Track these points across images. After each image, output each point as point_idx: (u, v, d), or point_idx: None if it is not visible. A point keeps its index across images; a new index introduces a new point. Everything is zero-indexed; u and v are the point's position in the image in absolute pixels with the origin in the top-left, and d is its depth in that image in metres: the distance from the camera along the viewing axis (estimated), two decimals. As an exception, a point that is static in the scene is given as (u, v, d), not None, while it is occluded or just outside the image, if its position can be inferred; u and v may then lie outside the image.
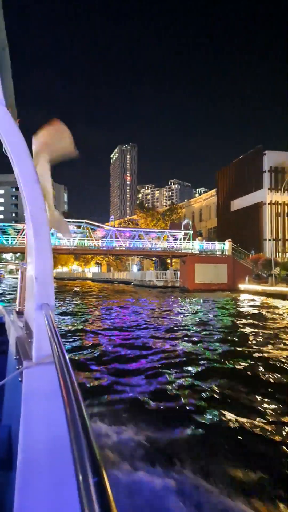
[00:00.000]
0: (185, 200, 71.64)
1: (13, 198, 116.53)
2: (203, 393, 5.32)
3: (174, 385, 5.72)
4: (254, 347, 8.65)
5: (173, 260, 42.88)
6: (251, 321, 12.97)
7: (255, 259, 34.77)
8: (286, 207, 41.16)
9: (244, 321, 13.13)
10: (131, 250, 40.27)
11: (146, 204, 75.88)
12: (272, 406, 4.83)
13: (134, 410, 4.59)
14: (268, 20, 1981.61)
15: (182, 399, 5.07)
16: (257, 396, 5.21)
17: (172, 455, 3.49)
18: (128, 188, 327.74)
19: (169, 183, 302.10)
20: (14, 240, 35.65)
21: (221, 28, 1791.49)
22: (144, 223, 59.15)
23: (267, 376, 6.17)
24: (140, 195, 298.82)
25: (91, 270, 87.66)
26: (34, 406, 1.09)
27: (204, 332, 10.76)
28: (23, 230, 34.37)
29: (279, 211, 41.11)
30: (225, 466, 3.38)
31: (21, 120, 2.26)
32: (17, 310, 3.06)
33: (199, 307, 18.88)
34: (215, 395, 5.23)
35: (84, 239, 38.17)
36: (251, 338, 9.88)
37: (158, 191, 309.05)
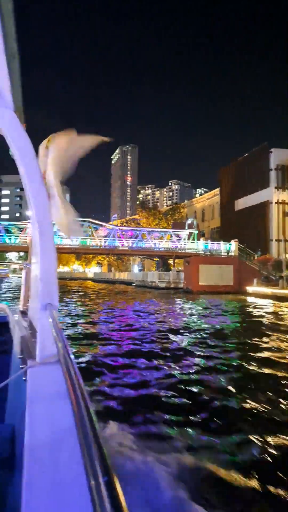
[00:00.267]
0: (185, 201, 70.43)
1: (17, 199, 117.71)
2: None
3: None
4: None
5: (175, 261, 41.70)
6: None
7: (262, 260, 33.58)
8: (293, 206, 39.98)
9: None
10: (133, 250, 39.03)
11: (146, 206, 74.66)
12: None
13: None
14: (268, 20, 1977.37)
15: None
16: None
17: None
18: (129, 188, 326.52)
19: (169, 184, 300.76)
20: (17, 238, 34.66)
21: (221, 28, 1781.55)
22: (146, 223, 58.00)
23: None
24: (140, 196, 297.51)
25: (92, 270, 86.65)
26: (38, 405, 1.08)
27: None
28: (26, 228, 33.41)
29: (287, 210, 39.89)
30: None
31: (28, 124, 2.21)
32: (21, 309, 3.08)
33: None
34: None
35: (87, 238, 37.06)
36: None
37: (158, 192, 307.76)
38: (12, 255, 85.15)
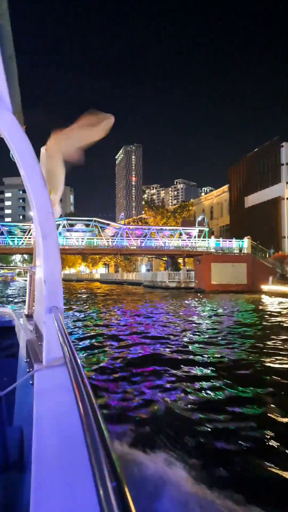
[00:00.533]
0: (191, 200, 69.21)
1: (20, 201, 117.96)
2: None
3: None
4: None
5: (185, 260, 40.55)
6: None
7: (278, 258, 32.31)
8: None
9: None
10: (142, 249, 37.88)
11: (152, 204, 73.44)
12: None
13: None
14: (268, 20, 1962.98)
15: None
16: None
17: None
18: (134, 188, 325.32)
19: (175, 183, 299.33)
20: (20, 240, 33.66)
21: (221, 28, 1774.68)
22: (153, 222, 56.80)
23: None
24: (145, 196, 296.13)
25: (99, 271, 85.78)
26: (46, 408, 1.09)
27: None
28: (29, 230, 32.42)
29: (300, 206, 38.56)
30: None
31: (28, 126, 2.18)
32: (26, 313, 3.05)
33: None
34: None
35: (93, 238, 36.00)
36: None
37: (163, 191, 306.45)
38: (17, 258, 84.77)
